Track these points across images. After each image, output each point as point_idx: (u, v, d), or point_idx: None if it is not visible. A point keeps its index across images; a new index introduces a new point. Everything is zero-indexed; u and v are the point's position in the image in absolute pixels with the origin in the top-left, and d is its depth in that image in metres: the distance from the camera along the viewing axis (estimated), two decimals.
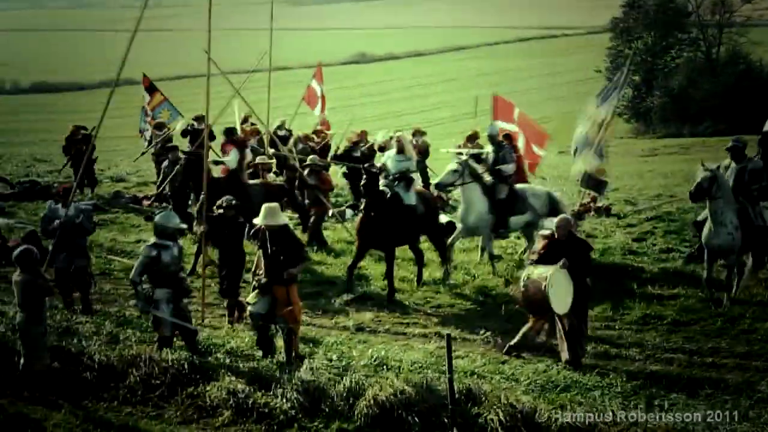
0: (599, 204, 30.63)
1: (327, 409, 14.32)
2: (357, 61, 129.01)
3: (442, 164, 26.98)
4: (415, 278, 23.03)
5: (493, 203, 23.63)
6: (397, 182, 22.80)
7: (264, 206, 17.04)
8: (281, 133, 32.74)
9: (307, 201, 27.13)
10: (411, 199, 22.64)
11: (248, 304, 17.03)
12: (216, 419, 14.54)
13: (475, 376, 15.58)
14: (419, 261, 23.14)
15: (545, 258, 17.13)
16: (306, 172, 27.20)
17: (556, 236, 17.18)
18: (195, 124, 33.12)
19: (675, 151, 60.79)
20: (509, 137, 25.83)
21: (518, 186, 24.52)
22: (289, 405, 14.42)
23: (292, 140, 32.21)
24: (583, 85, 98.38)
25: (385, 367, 16.27)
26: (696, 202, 21.47)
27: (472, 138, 31.35)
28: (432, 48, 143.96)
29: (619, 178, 41.02)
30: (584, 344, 17.14)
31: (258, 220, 16.90)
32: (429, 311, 20.96)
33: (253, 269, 17.27)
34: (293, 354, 16.51)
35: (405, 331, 19.43)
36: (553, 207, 24.16)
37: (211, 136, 33.45)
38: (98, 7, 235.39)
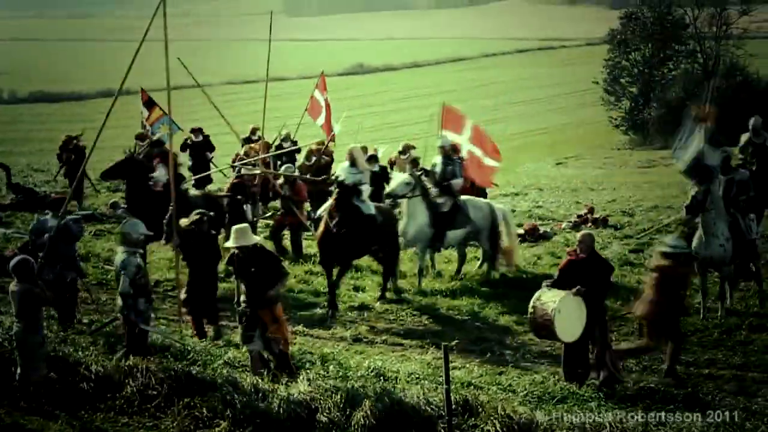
0: (596, 215, 30.69)
1: (324, 420, 14.31)
2: (355, 72, 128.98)
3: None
4: (410, 288, 23.34)
5: (434, 217, 23.79)
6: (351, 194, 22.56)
7: (233, 228, 16.91)
8: (287, 144, 32.73)
9: (281, 211, 27.15)
10: (370, 208, 22.55)
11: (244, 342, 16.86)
12: (213, 430, 14.53)
13: (472, 387, 15.59)
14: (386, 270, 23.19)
15: (564, 277, 16.86)
16: (280, 182, 27.20)
17: (577, 253, 16.96)
18: (192, 137, 33.15)
19: (672, 162, 60.52)
20: (456, 150, 25.95)
21: (460, 198, 24.62)
22: (286, 416, 14.42)
23: (304, 153, 32.11)
24: (581, 96, 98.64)
25: (382, 377, 16.28)
26: (694, 216, 21.48)
27: (406, 149, 31.04)
28: (430, 59, 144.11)
29: (617, 190, 41.14)
30: (616, 362, 16.70)
31: (229, 243, 16.85)
32: (426, 322, 20.97)
33: (235, 299, 17.14)
34: (287, 369, 16.42)
35: (402, 342, 19.44)
36: (494, 220, 24.22)
37: (211, 147, 33.47)
38: (98, 17, 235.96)
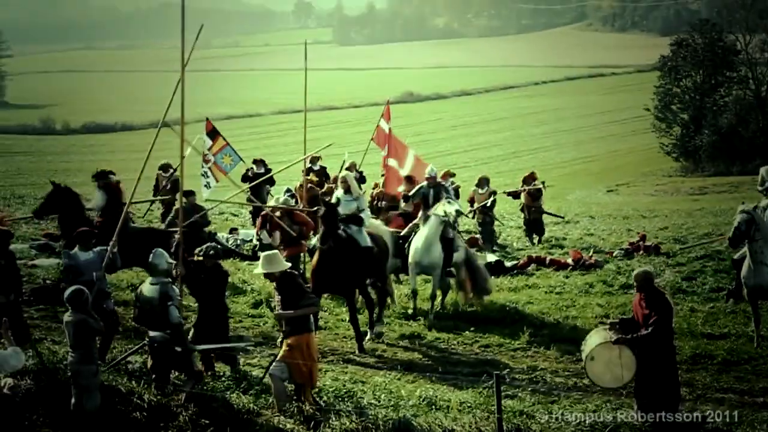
0: (648, 243, 30.52)
1: None
2: (405, 101, 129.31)
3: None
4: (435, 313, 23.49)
5: (444, 243, 23.67)
6: (346, 222, 22.17)
7: (263, 255, 16.77)
8: (353, 174, 32.67)
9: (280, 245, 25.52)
10: (366, 240, 22.17)
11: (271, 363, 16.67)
12: None
13: (524, 416, 15.50)
14: (370, 305, 22.56)
15: (628, 321, 16.42)
16: (278, 214, 26.15)
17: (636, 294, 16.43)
18: (254, 168, 33.10)
19: (724, 189, 60.50)
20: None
21: None
22: None
23: (375, 192, 31.86)
24: (631, 123, 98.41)
25: (433, 406, 16.23)
26: (736, 247, 21.31)
27: (447, 175, 31.07)
28: (479, 87, 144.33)
29: (669, 217, 40.93)
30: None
31: (258, 270, 16.76)
32: (477, 350, 20.91)
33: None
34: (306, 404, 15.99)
35: (454, 371, 19.37)
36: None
37: (271, 179, 33.29)
38: (147, 48, 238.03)
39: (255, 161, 33.10)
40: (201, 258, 17.91)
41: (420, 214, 24.44)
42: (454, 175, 32.10)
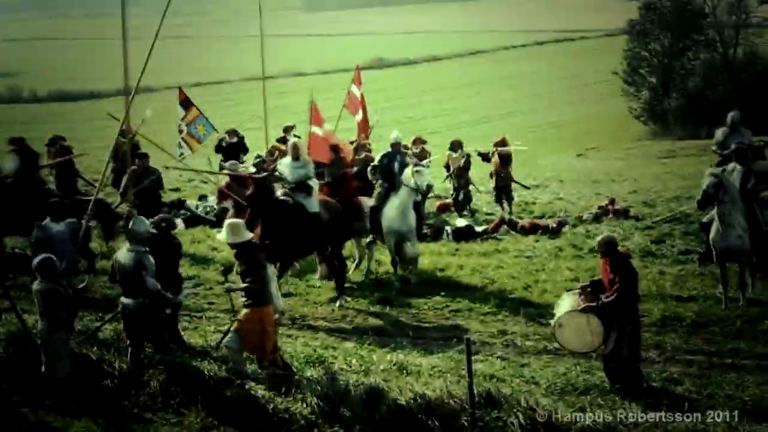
0: (617, 206, 30.63)
1: (347, 414, 14.34)
2: (374, 66, 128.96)
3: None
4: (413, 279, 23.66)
5: (416, 208, 24.12)
6: (295, 190, 22.06)
7: (226, 223, 16.65)
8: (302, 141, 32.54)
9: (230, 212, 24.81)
10: (314, 206, 21.93)
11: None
12: (236, 424, 14.57)
13: (495, 380, 15.59)
14: (336, 272, 22.60)
15: (597, 284, 16.47)
16: (226, 180, 25.76)
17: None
18: (227, 137, 32.92)
19: (693, 152, 60.64)
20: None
21: None
22: (309, 410, 14.46)
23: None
24: (601, 87, 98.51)
25: (404, 371, 16.30)
26: (704, 209, 21.45)
27: (418, 141, 31.70)
28: (449, 52, 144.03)
29: (637, 181, 41.11)
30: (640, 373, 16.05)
31: (221, 237, 16.62)
32: (448, 315, 20.97)
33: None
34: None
35: (424, 336, 19.44)
36: None
37: (245, 148, 33.19)
38: (115, 17, 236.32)
39: (228, 131, 32.90)
40: (154, 230, 17.35)
41: (379, 182, 24.48)
42: (425, 142, 31.99)
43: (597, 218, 29.91)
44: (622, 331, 15.67)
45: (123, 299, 16.28)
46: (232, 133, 33.26)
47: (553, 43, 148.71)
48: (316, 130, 26.08)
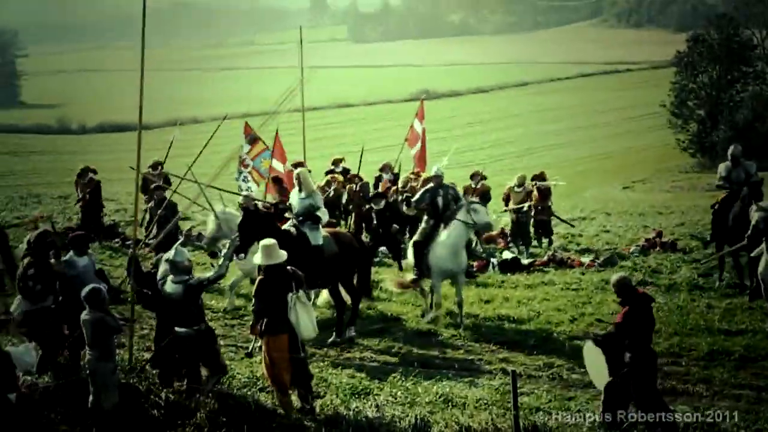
0: (664, 239, 30.46)
1: None
2: (419, 98, 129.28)
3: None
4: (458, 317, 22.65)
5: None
6: (302, 221, 21.92)
7: (261, 244, 16.57)
8: (386, 176, 32.44)
9: None
10: (318, 239, 21.70)
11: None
12: None
13: (541, 413, 15.50)
14: (339, 308, 22.18)
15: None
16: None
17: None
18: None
19: None
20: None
21: None
22: None
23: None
24: (647, 120, 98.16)
25: (450, 403, 16.25)
26: (755, 246, 21.31)
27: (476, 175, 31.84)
28: (494, 84, 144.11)
29: (685, 213, 40.86)
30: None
31: (257, 260, 16.56)
32: (493, 348, 20.89)
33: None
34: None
35: (470, 368, 19.37)
36: None
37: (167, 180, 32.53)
38: (161, 48, 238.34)
39: (295, 165, 32.07)
40: (153, 269, 17.28)
41: (425, 217, 23.80)
42: (485, 178, 31.78)
43: (644, 251, 29.76)
44: (630, 367, 15.26)
45: (177, 329, 16.27)
46: (298, 165, 33.05)
47: (598, 75, 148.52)
48: (276, 165, 25.94)
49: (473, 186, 30.22)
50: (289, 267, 16.33)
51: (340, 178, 31.00)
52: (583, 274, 27.11)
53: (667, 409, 15.03)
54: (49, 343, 16.75)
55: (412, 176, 31.56)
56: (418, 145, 32.25)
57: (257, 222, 20.96)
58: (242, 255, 20.40)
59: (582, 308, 23.13)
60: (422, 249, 22.99)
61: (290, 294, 15.79)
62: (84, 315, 15.34)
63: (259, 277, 16.59)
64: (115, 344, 15.59)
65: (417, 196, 24.33)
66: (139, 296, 17.03)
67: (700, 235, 32.24)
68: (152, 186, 28.29)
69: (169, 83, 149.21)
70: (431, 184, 23.97)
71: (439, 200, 23.40)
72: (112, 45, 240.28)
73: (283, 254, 16.46)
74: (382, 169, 32.93)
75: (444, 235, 22.54)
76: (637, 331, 15.17)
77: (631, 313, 15.23)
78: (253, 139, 30.15)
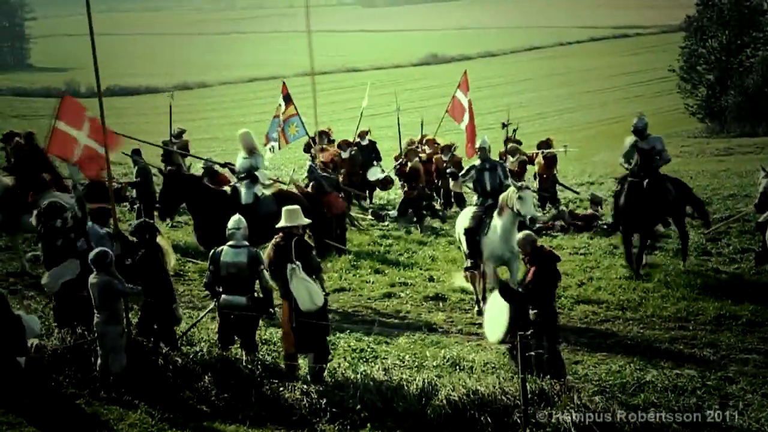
0: None
1: (400, 410, 14.36)
2: (428, 63, 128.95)
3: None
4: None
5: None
6: (241, 179, 22.43)
7: (285, 209, 16.69)
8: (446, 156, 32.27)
9: None
10: (249, 197, 22.01)
11: None
12: (289, 419, 14.61)
13: (548, 377, 15.54)
14: None
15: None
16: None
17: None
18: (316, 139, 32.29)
19: (750, 150, 60.16)
20: None
21: None
22: (361, 405, 14.49)
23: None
24: (656, 84, 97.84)
25: (457, 367, 16.31)
26: (763, 212, 21.31)
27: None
28: (503, 48, 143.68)
29: (694, 178, 40.68)
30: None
31: (281, 224, 16.57)
32: None
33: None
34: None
35: (477, 332, 19.40)
36: None
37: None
38: (172, 11, 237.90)
39: (321, 132, 31.47)
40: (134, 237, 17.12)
41: (475, 198, 22.30)
42: (520, 143, 31.35)
43: None
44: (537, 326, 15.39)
45: (228, 297, 16.31)
46: (323, 134, 32.93)
47: (608, 40, 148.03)
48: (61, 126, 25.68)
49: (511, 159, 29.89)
50: (297, 237, 16.36)
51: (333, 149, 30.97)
52: (591, 239, 27.11)
53: (563, 370, 15.46)
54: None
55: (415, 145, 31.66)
56: (466, 117, 31.57)
57: (180, 184, 21.68)
58: (167, 220, 20.55)
59: (590, 273, 23.15)
60: (474, 235, 21.09)
61: (288, 264, 15.81)
62: (91, 278, 15.42)
63: (273, 241, 16.68)
64: (122, 308, 15.65)
65: (463, 171, 22.75)
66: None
67: (708, 200, 32.21)
68: (131, 151, 28.07)
69: (178, 47, 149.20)
70: (477, 161, 22.14)
71: (487, 178, 21.67)
72: (122, 8, 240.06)
73: (304, 220, 16.67)
74: (360, 135, 33.12)
75: (496, 218, 20.59)
76: (543, 289, 15.40)
77: (539, 272, 15.42)
78: (287, 100, 30.39)
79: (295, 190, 23.45)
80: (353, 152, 31.34)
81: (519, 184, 20.36)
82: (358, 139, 32.97)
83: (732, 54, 78.11)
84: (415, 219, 29.42)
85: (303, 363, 16.30)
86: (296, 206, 16.96)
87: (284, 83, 31.76)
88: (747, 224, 26.68)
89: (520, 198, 19.73)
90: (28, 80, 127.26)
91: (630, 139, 23.91)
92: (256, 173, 22.47)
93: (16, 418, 14.63)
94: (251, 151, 22.85)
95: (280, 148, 30.86)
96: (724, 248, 25.18)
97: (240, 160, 22.79)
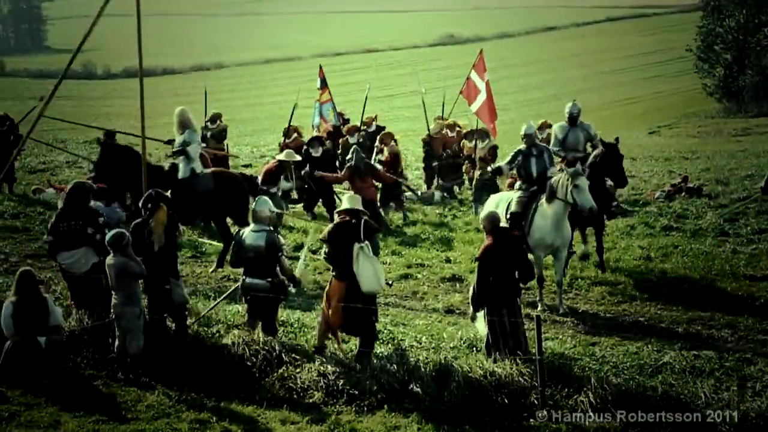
0: (690, 184, 30.34)
1: (417, 391, 14.37)
2: (444, 43, 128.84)
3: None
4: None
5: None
6: (176, 154, 22.70)
7: (346, 197, 16.92)
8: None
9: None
10: (185, 172, 22.35)
11: None
12: (306, 401, 14.65)
13: (565, 358, 15.54)
14: (224, 241, 22.23)
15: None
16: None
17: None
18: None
19: (767, 130, 60.05)
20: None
21: None
22: (378, 387, 14.51)
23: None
24: (674, 64, 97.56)
25: (474, 348, 16.29)
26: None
27: (544, 126, 30.29)
28: (519, 29, 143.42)
29: (711, 158, 40.66)
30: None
31: (343, 206, 16.62)
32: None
33: None
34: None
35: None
36: None
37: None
38: None
39: (290, 128, 31.09)
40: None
41: (517, 184, 21.55)
42: (550, 125, 30.84)
43: (669, 196, 29.65)
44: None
45: (249, 280, 16.37)
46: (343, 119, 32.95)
47: (626, 20, 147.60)
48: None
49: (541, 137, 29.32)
50: (365, 218, 16.41)
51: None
52: (608, 219, 27.02)
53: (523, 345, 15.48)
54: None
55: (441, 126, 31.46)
56: (480, 99, 31.07)
57: (115, 156, 22.23)
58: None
59: (607, 254, 23.04)
60: (520, 220, 20.21)
61: (356, 244, 15.88)
62: (108, 260, 15.45)
63: (334, 222, 16.83)
64: (140, 289, 15.68)
65: (508, 158, 21.97)
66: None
67: (725, 180, 32.14)
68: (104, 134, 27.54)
69: (195, 28, 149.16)
70: (522, 145, 21.54)
71: (533, 164, 21.12)
72: None
73: (361, 207, 16.65)
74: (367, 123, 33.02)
75: (546, 205, 19.89)
76: (496, 265, 15.47)
77: (489, 247, 15.62)
78: (323, 83, 30.68)
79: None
80: (361, 139, 31.04)
81: (572, 170, 19.83)
82: (365, 127, 32.69)
83: (749, 33, 77.89)
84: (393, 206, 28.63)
85: (330, 345, 16.36)
86: (357, 197, 17.07)
87: (321, 67, 31.90)
88: (765, 204, 26.60)
89: (576, 187, 19.39)
90: (45, 62, 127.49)
91: (559, 126, 23.43)
92: (188, 149, 22.61)
93: (34, 398, 14.69)
94: (184, 127, 23.00)
95: (321, 130, 31.03)
96: (742, 228, 25.11)
97: (176, 136, 23.02)
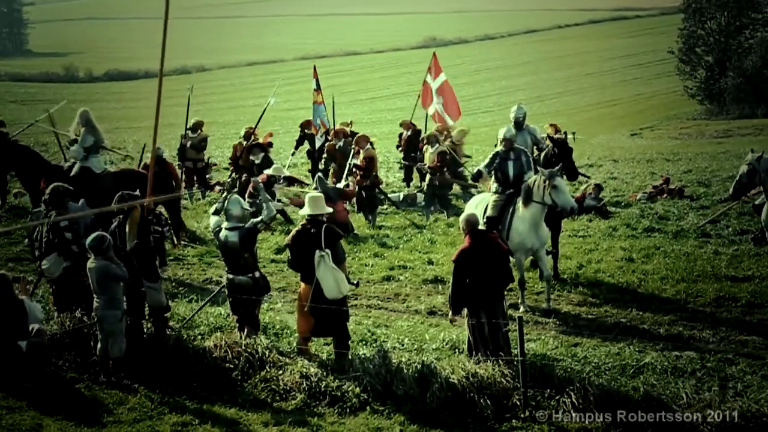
0: (672, 186, 30.45)
1: (399, 392, 14.39)
2: (427, 46, 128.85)
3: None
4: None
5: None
6: (86, 155, 23.01)
7: (308, 197, 16.72)
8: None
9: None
10: (96, 168, 22.95)
11: None
12: (289, 403, 14.65)
13: (548, 359, 15.57)
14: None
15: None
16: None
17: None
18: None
19: (749, 132, 60.29)
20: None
21: None
22: (361, 388, 14.53)
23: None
24: (655, 67, 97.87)
25: (456, 350, 16.31)
26: (737, 199, 21.45)
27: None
28: (502, 31, 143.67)
29: (693, 160, 40.82)
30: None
31: (304, 211, 16.59)
32: None
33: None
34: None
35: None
36: None
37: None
38: None
39: (248, 132, 30.68)
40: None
41: (492, 186, 21.31)
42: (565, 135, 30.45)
43: (651, 197, 29.75)
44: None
45: (230, 276, 16.55)
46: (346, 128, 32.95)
47: (607, 22, 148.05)
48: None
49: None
50: (326, 225, 16.38)
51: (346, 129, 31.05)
52: (590, 221, 27.10)
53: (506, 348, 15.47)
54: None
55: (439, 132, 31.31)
56: (435, 104, 31.42)
57: (6, 149, 23.05)
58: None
59: (589, 255, 23.12)
60: (497, 225, 20.20)
61: (317, 251, 15.89)
62: (89, 263, 15.42)
63: (297, 228, 16.81)
64: (122, 292, 15.64)
65: (485, 161, 21.68)
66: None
67: (707, 182, 32.25)
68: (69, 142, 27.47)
69: (177, 31, 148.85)
70: (500, 148, 21.39)
71: (510, 167, 20.99)
72: None
73: (327, 209, 16.77)
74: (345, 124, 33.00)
75: (522, 208, 19.95)
76: (473, 268, 15.54)
77: (465, 249, 15.70)
78: (317, 84, 30.90)
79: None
80: (345, 142, 30.83)
81: (548, 171, 19.78)
82: (352, 129, 32.50)
83: (731, 35, 78.22)
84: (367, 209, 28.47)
85: (313, 348, 16.39)
86: (319, 195, 17.11)
87: (315, 67, 32.02)
88: (746, 206, 26.66)
89: (555, 188, 19.43)
90: (26, 66, 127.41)
91: (505, 130, 23.19)
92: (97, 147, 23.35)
93: (16, 402, 14.66)
94: (90, 125, 23.44)
95: (316, 133, 31.12)
96: (723, 230, 25.20)
97: (83, 136, 23.24)
